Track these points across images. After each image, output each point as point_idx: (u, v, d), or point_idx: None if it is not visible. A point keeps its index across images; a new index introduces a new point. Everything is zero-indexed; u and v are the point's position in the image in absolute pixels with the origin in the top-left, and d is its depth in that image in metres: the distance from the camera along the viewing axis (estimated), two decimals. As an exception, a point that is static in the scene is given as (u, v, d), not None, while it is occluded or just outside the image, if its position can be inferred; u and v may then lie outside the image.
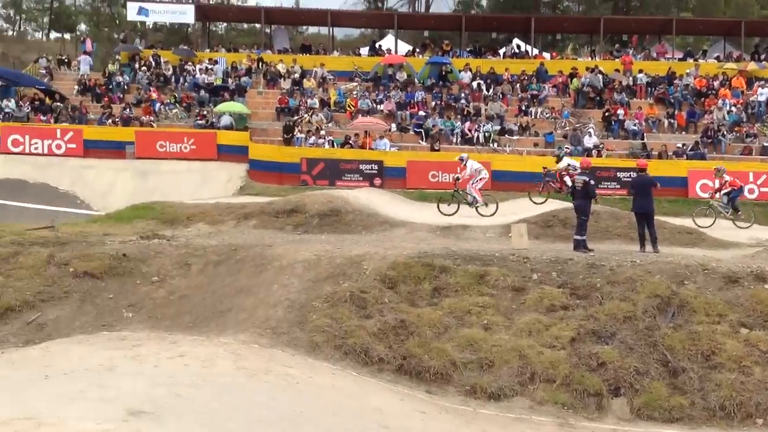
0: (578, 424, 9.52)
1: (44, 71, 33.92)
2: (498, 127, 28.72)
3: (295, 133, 28.12)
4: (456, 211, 19.77)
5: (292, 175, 26.41)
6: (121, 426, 7.00)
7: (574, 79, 31.24)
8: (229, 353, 9.41)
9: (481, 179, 20.77)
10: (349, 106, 30.24)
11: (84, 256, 12.26)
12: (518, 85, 31.75)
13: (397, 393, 9.70)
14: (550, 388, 9.99)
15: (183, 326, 10.56)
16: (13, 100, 30.55)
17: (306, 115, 29.53)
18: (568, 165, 20.56)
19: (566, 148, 26.32)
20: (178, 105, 31.09)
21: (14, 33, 60.83)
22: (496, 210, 19.72)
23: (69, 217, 20.21)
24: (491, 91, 31.36)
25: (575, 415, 9.69)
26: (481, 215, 19.45)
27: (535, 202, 20.54)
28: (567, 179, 20.43)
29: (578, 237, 14.18)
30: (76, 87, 32.56)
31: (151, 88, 31.98)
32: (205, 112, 30.02)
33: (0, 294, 11.25)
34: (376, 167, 26.30)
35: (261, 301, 11.19)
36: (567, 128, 28.79)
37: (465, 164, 20.56)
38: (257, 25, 42.11)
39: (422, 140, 28.39)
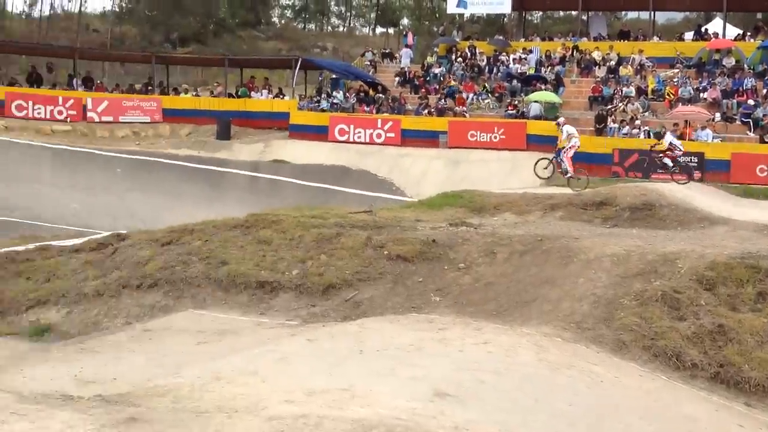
0: None
1: (369, 64, 36.24)
2: (844, 118, 25.57)
3: (607, 123, 27.24)
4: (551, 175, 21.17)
5: (603, 166, 25.64)
6: (427, 406, 7.25)
7: None
8: (532, 344, 9.35)
9: (572, 147, 20.96)
10: (668, 95, 28.65)
11: (398, 240, 12.89)
12: None
13: (712, 402, 8.99)
14: None
15: (487, 313, 10.68)
16: (341, 92, 33.05)
17: (621, 104, 28.49)
18: (671, 143, 20.85)
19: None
20: (490, 95, 31.56)
21: (344, 29, 65.74)
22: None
23: (385, 202, 21.42)
24: (836, 76, 27.95)
25: None
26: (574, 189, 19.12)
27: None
28: (667, 161, 20.87)
29: None
30: (397, 79, 34.36)
31: (450, 76, 32.79)
32: (516, 102, 30.15)
33: (323, 272, 12.21)
34: (695, 159, 24.63)
35: (566, 294, 10.97)
36: None
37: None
38: (573, 12, 41.37)
39: (750, 131, 26.05)
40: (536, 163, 21.63)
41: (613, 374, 9.00)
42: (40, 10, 59.38)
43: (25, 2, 60.30)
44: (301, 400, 7.41)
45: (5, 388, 8.22)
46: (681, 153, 21.45)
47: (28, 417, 6.95)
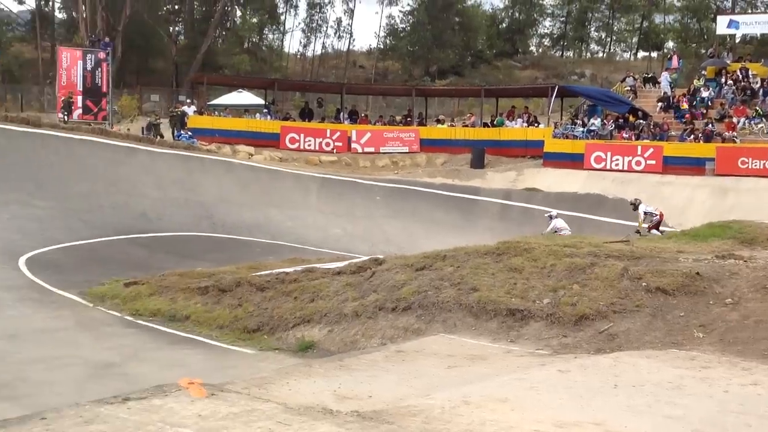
0: None
1: (629, 89, 35.07)
2: None
3: None
4: None
5: None
6: (686, 447, 6.84)
7: None
8: (810, 390, 8.47)
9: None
10: None
11: (657, 271, 12.24)
12: None
13: None
14: None
15: (757, 353, 9.80)
16: (599, 119, 32.24)
17: None
18: (645, 212, 20.75)
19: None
20: (764, 119, 29.26)
21: (604, 54, 64.23)
22: None
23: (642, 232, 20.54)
24: None
25: None
26: None
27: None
28: (654, 232, 20.13)
29: None
30: (659, 104, 32.91)
31: (726, 104, 30.67)
32: (795, 127, 27.71)
33: (576, 302, 11.88)
34: None
35: None
36: None
37: None
38: None
39: None
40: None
41: None
42: (313, 50, 64.19)
43: (300, 43, 65.46)
44: (550, 431, 7.26)
45: (273, 399, 8.85)
46: (659, 217, 21.26)
47: (293, 427, 7.43)
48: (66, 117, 33.25)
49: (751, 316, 10.72)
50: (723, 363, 9.47)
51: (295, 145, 35.22)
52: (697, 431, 7.16)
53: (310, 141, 35.39)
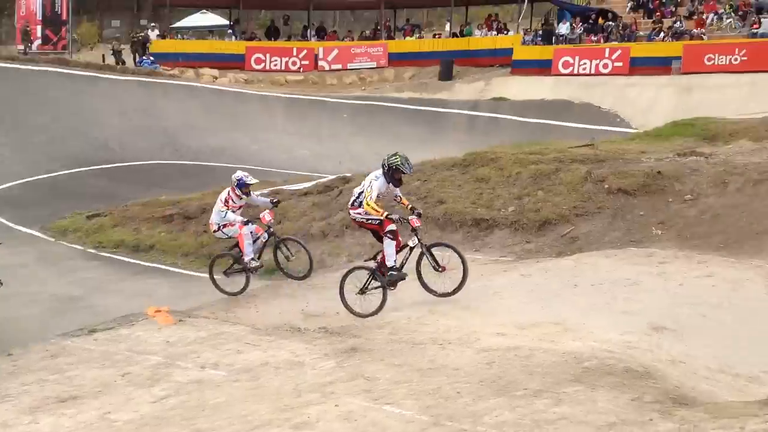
0: None
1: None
2: None
3: None
4: None
5: None
6: (642, 338, 7.05)
7: None
8: (762, 277, 8.68)
9: None
10: None
11: (619, 173, 12.32)
12: None
13: None
14: None
15: (713, 246, 10.01)
16: (567, 23, 31.78)
17: None
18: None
19: None
20: (732, 14, 29.00)
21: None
22: None
23: (607, 135, 20.53)
24: None
25: None
26: None
27: None
28: None
29: None
30: (630, 4, 32.32)
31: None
32: (762, 19, 27.48)
33: (540, 208, 11.99)
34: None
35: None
36: None
37: None
38: None
39: None
40: None
41: None
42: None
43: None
44: (512, 333, 7.44)
45: (241, 321, 8.96)
46: None
47: (261, 347, 7.58)
48: (26, 48, 32.32)
49: (709, 210, 10.90)
50: (680, 258, 9.67)
51: (261, 66, 34.53)
52: (653, 324, 7.37)
53: (276, 61, 34.68)
